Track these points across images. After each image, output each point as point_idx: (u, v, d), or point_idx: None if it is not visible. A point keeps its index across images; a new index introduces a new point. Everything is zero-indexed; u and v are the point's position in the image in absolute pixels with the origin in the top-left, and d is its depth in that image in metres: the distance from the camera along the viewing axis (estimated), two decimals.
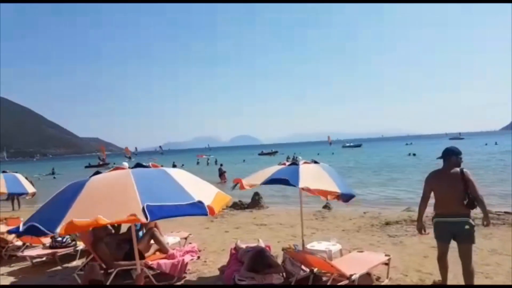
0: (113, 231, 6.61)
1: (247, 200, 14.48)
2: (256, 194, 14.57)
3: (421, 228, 4.78)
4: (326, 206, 13.33)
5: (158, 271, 5.61)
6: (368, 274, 5.07)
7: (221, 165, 32.04)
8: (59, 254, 6.55)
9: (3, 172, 8.16)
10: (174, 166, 49.69)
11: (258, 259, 5.09)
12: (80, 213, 2.83)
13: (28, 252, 6.68)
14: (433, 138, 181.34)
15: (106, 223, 2.78)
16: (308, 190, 5.15)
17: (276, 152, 78.26)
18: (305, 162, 5.52)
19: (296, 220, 10.79)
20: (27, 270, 6.56)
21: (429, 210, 4.88)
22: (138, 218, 2.86)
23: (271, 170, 5.33)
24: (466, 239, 4.37)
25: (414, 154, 49.74)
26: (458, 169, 4.41)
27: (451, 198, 4.36)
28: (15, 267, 6.79)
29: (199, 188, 3.62)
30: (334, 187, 5.12)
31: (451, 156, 4.48)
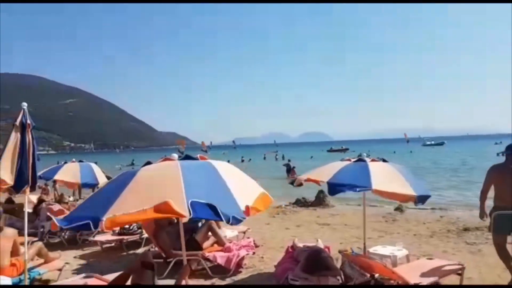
0: (175, 220, 6.80)
1: (311, 197, 14.13)
2: (321, 191, 14.12)
3: (483, 216, 4.98)
4: (398, 208, 12.50)
5: (215, 263, 5.63)
6: (436, 284, 4.56)
7: (289, 160, 31.54)
8: (125, 240, 6.88)
9: (80, 161, 8.75)
10: (242, 160, 50.48)
11: (314, 259, 4.83)
12: (127, 205, 2.82)
13: (98, 238, 7.13)
14: None
15: (149, 217, 2.76)
16: (381, 193, 4.70)
17: (346, 149, 75.47)
18: (372, 160, 5.12)
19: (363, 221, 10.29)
20: (97, 254, 7.01)
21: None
22: (181, 213, 2.81)
23: (336, 167, 4.97)
24: None
25: (503, 154, 44.35)
26: None
27: None
28: (87, 251, 7.30)
29: (243, 186, 3.52)
30: (408, 189, 4.66)
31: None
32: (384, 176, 4.68)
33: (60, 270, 5.07)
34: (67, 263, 5.26)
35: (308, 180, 4.94)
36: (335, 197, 14.79)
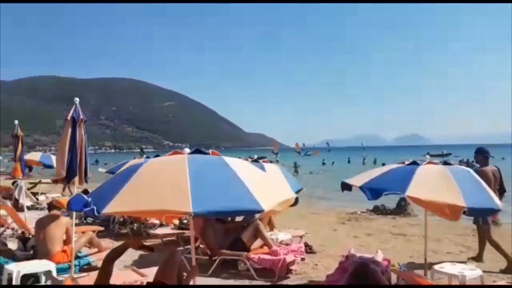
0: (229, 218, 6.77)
1: (392, 204, 13.08)
2: (402, 199, 13.01)
3: None
4: (493, 221, 10.92)
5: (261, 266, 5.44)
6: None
7: (383, 165, 29.64)
8: (182, 235, 7.02)
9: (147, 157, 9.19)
10: (323, 163, 49.28)
11: (361, 273, 4.33)
12: (128, 197, 2.77)
13: (159, 231, 7.42)
14: None
15: (147, 213, 2.72)
16: (418, 201, 3.97)
17: (448, 154, 69.06)
18: (429, 163, 4.45)
19: (447, 234, 9.21)
20: (156, 247, 7.20)
21: None
22: (181, 211, 2.73)
23: (381, 170, 4.45)
24: None
25: None
26: None
27: None
28: (148, 243, 7.52)
29: (262, 184, 3.25)
30: (457, 199, 3.83)
31: None
32: (431, 182, 3.98)
33: None
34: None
35: (348, 185, 4.43)
36: (418, 206, 13.71)
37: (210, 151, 3.48)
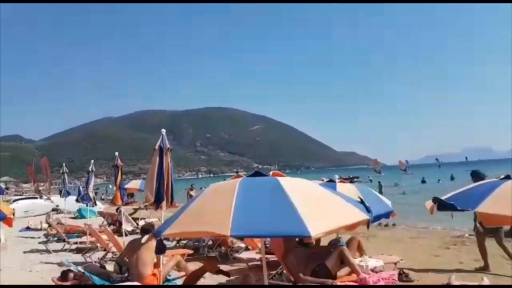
0: (314, 242, 6.54)
1: (507, 226, 11.49)
2: None
3: None
4: None
5: None
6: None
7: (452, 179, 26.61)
8: (267, 260, 6.94)
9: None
10: (423, 181, 44.82)
11: None
12: (183, 219, 3.07)
13: (244, 255, 7.46)
14: None
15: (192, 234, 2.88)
16: (489, 219, 3.54)
17: None
18: None
19: None
20: (240, 271, 7.24)
21: None
22: (219, 234, 2.81)
23: (467, 186, 4.00)
24: None
25: None
26: None
27: None
28: (235, 266, 7.60)
29: (319, 207, 3.13)
30: None
31: None
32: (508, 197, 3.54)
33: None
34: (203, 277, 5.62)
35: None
36: None
37: (271, 172, 3.53)
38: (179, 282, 5.40)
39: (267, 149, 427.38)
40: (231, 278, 6.44)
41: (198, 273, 2.99)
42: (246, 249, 8.02)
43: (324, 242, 6.78)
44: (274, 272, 6.13)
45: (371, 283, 5.15)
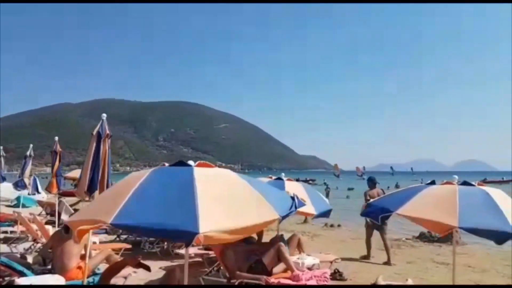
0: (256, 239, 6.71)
1: None
2: None
3: None
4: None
5: None
6: None
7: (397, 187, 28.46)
8: (208, 256, 6.98)
9: None
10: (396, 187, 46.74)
11: None
12: (89, 209, 3.19)
13: (185, 250, 7.36)
14: None
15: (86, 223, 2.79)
16: (408, 217, 3.84)
17: (509, 181, 64.06)
18: (446, 183, 4.23)
19: (495, 264, 8.47)
20: (182, 267, 7.17)
21: None
22: (98, 220, 2.68)
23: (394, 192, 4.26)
24: None
25: None
26: None
27: None
28: (175, 262, 7.50)
29: (224, 203, 3.01)
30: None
31: None
32: (430, 202, 3.93)
33: (125, 278, 5.18)
34: (134, 271, 5.54)
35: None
36: (470, 235, 12.65)
37: (198, 162, 3.43)
38: None
39: (232, 148, 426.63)
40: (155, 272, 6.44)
41: (117, 266, 2.97)
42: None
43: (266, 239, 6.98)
44: (211, 268, 6.17)
45: (303, 280, 5.35)
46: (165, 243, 8.35)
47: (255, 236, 6.95)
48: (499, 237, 3.36)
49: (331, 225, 14.32)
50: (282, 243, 5.76)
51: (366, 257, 8.83)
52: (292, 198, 3.50)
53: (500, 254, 9.88)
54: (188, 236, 2.49)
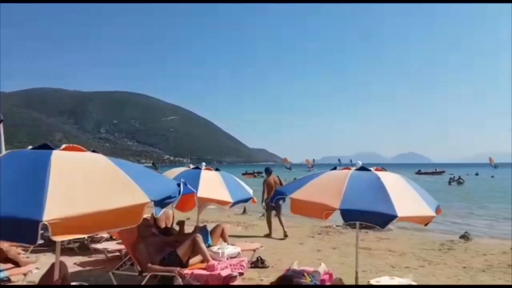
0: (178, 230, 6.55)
1: None
2: None
3: None
4: (464, 236, 10.76)
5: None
6: None
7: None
8: (124, 250, 6.73)
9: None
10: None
11: (283, 282, 4.16)
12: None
13: (104, 245, 7.12)
14: None
15: None
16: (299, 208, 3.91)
17: (442, 172, 69.47)
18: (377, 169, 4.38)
19: (413, 248, 9.00)
20: (99, 262, 6.84)
21: None
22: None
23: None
24: None
25: None
26: None
27: None
28: (92, 258, 7.19)
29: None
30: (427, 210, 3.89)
31: None
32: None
33: (25, 274, 4.98)
34: (37, 268, 5.22)
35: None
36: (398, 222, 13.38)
37: (66, 145, 3.15)
38: (6, 274, 4.95)
39: (181, 141, 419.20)
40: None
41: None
42: (111, 238, 7.67)
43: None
44: (121, 262, 5.94)
45: (218, 269, 5.32)
46: (85, 237, 7.93)
47: (176, 227, 6.82)
48: (381, 219, 3.47)
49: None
50: (198, 234, 5.68)
51: (268, 235, 10.22)
52: (179, 184, 3.38)
53: (421, 238, 10.59)
54: (30, 226, 2.20)
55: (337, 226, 12.31)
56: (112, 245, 7.02)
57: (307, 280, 4.24)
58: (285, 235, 9.96)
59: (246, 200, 6.20)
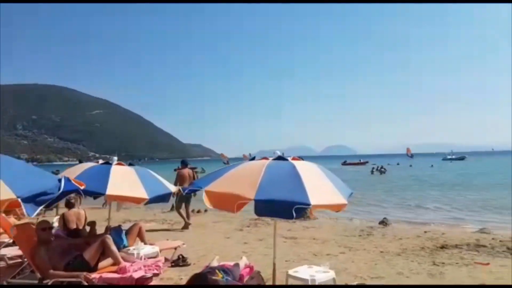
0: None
1: None
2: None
3: None
4: (383, 222, 11.39)
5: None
6: None
7: None
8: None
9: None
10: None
11: (197, 280, 3.90)
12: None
13: (3, 251, 6.32)
14: None
15: None
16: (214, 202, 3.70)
17: (365, 162, 74.38)
18: (293, 158, 4.25)
19: (336, 236, 9.27)
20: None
21: None
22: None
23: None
24: None
25: None
26: None
27: None
28: None
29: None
30: (339, 198, 3.77)
31: None
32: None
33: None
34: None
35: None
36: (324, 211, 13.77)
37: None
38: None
39: (108, 137, 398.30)
40: None
41: None
42: (14, 243, 6.79)
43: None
44: (18, 269, 5.29)
45: (130, 272, 4.92)
46: None
47: (87, 228, 6.25)
48: (295, 208, 3.35)
49: (198, 211, 14.13)
50: (107, 235, 5.20)
51: (185, 227, 10.33)
52: (60, 180, 2.98)
53: (343, 226, 11.00)
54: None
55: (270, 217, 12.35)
56: (13, 251, 6.22)
57: (219, 277, 4.03)
58: (186, 226, 10.33)
59: (165, 196, 5.81)
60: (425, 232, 9.59)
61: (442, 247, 7.62)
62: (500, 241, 8.10)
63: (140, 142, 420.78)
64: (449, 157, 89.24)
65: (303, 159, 4.48)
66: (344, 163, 75.23)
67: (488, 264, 6.20)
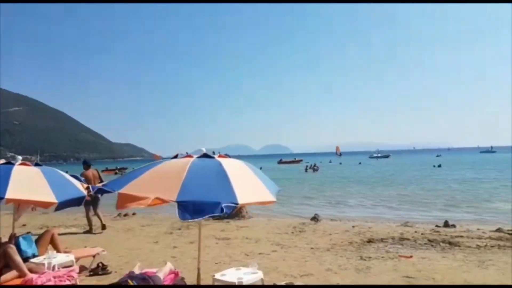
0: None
1: None
2: None
3: None
4: (315, 218, 11.61)
5: None
6: None
7: None
8: None
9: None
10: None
11: None
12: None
13: None
14: (465, 151, 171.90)
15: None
16: (126, 202, 3.38)
17: (300, 160, 76.84)
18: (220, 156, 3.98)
19: (269, 234, 9.20)
20: None
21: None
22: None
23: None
24: None
25: (439, 166, 47.75)
26: None
27: None
28: None
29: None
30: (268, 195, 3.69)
31: None
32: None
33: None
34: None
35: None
36: (257, 208, 13.73)
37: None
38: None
39: (29, 136, 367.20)
40: None
41: None
42: None
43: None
44: None
45: (39, 283, 4.35)
46: None
47: None
48: (221, 208, 3.11)
49: (125, 215, 13.29)
50: (10, 245, 4.56)
51: (89, 231, 10.02)
52: None
53: (276, 223, 11.00)
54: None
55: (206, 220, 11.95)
56: None
57: (131, 283, 3.67)
58: (103, 227, 10.12)
59: (79, 200, 5.23)
60: (353, 226, 9.92)
61: (369, 241, 7.88)
62: (422, 234, 8.60)
63: (64, 141, 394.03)
64: (375, 155, 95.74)
65: (230, 157, 4.27)
66: (280, 162, 77.10)
67: (411, 256, 6.48)
